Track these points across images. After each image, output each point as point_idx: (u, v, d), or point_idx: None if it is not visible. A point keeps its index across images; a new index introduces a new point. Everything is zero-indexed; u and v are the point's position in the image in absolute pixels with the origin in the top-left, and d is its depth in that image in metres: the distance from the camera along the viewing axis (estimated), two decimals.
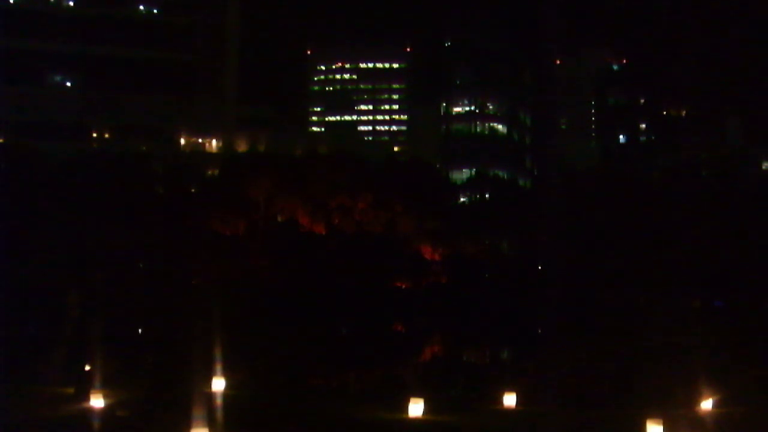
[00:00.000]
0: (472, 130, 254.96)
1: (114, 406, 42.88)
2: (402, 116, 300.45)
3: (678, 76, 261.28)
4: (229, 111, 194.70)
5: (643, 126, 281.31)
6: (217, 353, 51.91)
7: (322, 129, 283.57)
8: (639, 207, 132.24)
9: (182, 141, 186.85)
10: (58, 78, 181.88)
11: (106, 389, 44.07)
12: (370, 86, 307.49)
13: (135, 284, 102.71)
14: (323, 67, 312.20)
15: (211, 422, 36.89)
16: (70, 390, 46.82)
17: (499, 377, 65.00)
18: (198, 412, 36.63)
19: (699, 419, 42.28)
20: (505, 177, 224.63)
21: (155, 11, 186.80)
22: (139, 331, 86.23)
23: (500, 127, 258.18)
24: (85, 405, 42.65)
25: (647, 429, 37.08)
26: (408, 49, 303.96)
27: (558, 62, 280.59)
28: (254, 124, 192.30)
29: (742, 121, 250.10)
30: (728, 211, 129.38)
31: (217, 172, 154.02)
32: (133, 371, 56.68)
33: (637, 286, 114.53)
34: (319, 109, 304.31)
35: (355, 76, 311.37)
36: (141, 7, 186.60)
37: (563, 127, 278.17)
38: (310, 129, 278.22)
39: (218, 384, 47.45)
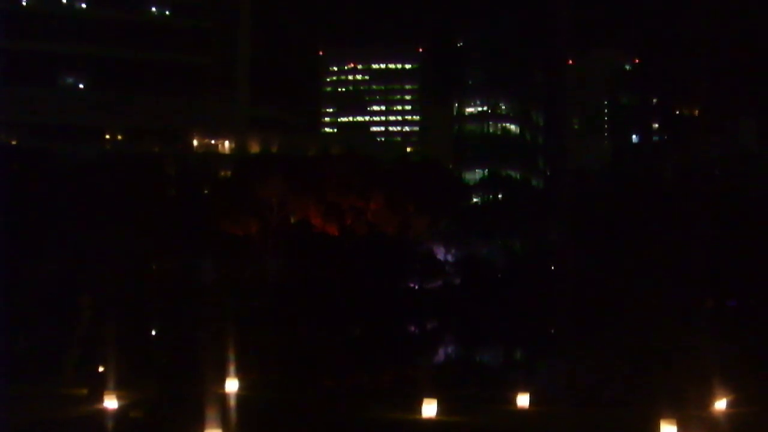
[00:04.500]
0: (485, 130, 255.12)
1: (127, 407, 42.97)
2: (414, 117, 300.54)
3: (690, 75, 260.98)
4: (242, 112, 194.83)
5: (656, 126, 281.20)
6: (230, 354, 51.95)
7: (335, 130, 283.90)
8: (651, 207, 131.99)
9: (195, 142, 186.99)
10: (70, 80, 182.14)
11: (120, 390, 44.16)
12: (382, 87, 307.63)
13: (148, 285, 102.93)
14: (335, 68, 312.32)
15: (224, 423, 36.93)
16: (84, 391, 46.90)
17: (512, 377, 64.91)
18: (211, 413, 36.67)
19: (713, 419, 42.20)
20: (518, 177, 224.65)
21: (167, 13, 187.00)
22: (153, 332, 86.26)
23: (513, 127, 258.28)
24: (98, 406, 42.75)
25: (661, 429, 37.01)
26: (420, 50, 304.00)
27: (570, 62, 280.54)
28: (266, 125, 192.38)
29: (754, 121, 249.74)
30: (741, 210, 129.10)
31: (229, 173, 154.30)
32: (146, 372, 56.71)
33: (650, 285, 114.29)
34: (331, 109, 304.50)
35: (367, 77, 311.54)
36: (153, 9, 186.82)
37: (575, 127, 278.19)
38: (322, 130, 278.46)
39: (231, 385, 47.50)
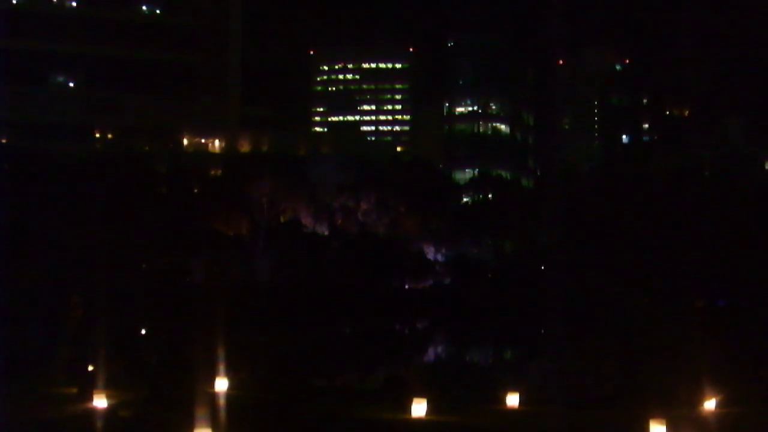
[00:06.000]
0: (475, 130, 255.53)
1: (117, 407, 42.90)
2: (405, 116, 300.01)
3: (681, 76, 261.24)
4: (232, 111, 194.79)
5: (646, 126, 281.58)
6: (220, 353, 51.92)
7: (325, 129, 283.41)
8: (642, 207, 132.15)
9: (185, 141, 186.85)
10: (61, 79, 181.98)
11: (110, 389, 44.09)
12: (372, 86, 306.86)
13: (138, 284, 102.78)
14: (326, 68, 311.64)
15: (214, 422, 36.89)
16: (74, 390, 46.83)
17: (502, 377, 64.98)
18: (201, 413, 36.63)
19: (702, 419, 42.25)
20: (508, 177, 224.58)
21: (158, 12, 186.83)
22: (142, 331, 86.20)
23: (503, 127, 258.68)
24: (88, 405, 42.67)
25: (650, 429, 37.05)
26: (411, 49, 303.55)
27: (561, 62, 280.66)
28: (257, 124, 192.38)
29: (744, 121, 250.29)
30: (731, 210, 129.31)
31: (220, 172, 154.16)
32: (136, 371, 56.64)
33: (640, 285, 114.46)
34: (321, 109, 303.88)
35: (357, 77, 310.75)
36: (144, 8, 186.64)
37: (566, 127, 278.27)
38: (312, 129, 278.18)
39: (221, 384, 47.46)
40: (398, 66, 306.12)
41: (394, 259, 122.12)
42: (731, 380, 50.16)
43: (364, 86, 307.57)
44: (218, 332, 62.70)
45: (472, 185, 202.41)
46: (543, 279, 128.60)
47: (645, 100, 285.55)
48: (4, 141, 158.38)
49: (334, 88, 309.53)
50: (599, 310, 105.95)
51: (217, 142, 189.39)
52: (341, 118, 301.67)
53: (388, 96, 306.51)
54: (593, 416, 45.44)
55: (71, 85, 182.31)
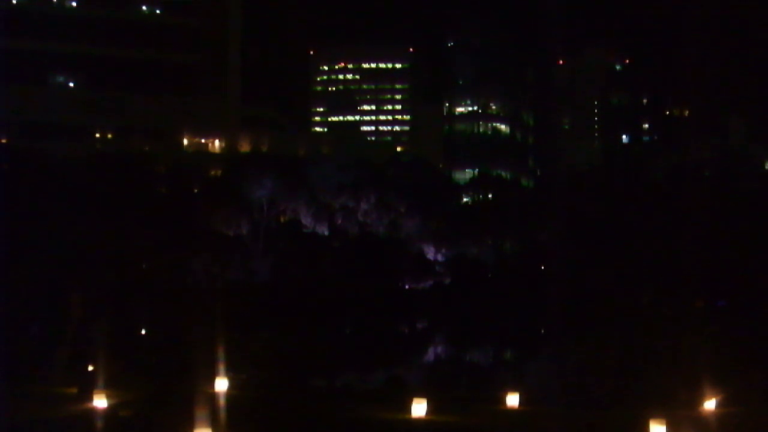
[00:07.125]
0: (475, 130, 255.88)
1: (117, 407, 42.93)
2: (405, 116, 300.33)
3: (681, 76, 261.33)
4: (232, 111, 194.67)
5: (646, 126, 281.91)
6: (220, 353, 51.95)
7: (325, 129, 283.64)
8: (642, 207, 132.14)
9: (185, 141, 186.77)
10: (60, 78, 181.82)
11: (110, 389, 44.13)
12: (372, 86, 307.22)
13: (138, 284, 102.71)
14: (326, 68, 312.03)
15: (214, 422, 36.91)
16: (74, 390, 46.86)
17: (502, 377, 65.03)
18: (201, 413, 36.66)
19: (702, 419, 42.28)
20: (508, 177, 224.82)
21: (158, 12, 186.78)
22: (143, 331, 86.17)
23: (503, 127, 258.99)
24: (88, 405, 42.71)
25: (650, 429, 37.08)
26: (411, 49, 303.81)
27: (561, 62, 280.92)
28: (257, 124, 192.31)
29: (744, 121, 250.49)
30: (731, 210, 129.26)
31: (219, 172, 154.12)
32: (136, 371, 56.69)
33: (640, 286, 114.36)
34: (321, 109, 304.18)
35: (357, 77, 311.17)
36: (144, 8, 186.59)
37: (566, 127, 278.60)
38: (312, 129, 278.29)
39: (221, 384, 47.50)
40: (398, 66, 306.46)
41: (394, 259, 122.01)
42: (731, 380, 50.18)
43: (364, 86, 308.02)
44: (218, 332, 62.74)
45: (472, 185, 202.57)
46: (543, 279, 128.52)
47: (645, 100, 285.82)
48: (4, 141, 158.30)
49: (334, 88, 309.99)
50: (599, 310, 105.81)
51: (217, 142, 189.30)
52: (341, 118, 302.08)
53: (388, 96, 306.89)
54: (593, 416, 45.47)
55: (71, 85, 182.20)
